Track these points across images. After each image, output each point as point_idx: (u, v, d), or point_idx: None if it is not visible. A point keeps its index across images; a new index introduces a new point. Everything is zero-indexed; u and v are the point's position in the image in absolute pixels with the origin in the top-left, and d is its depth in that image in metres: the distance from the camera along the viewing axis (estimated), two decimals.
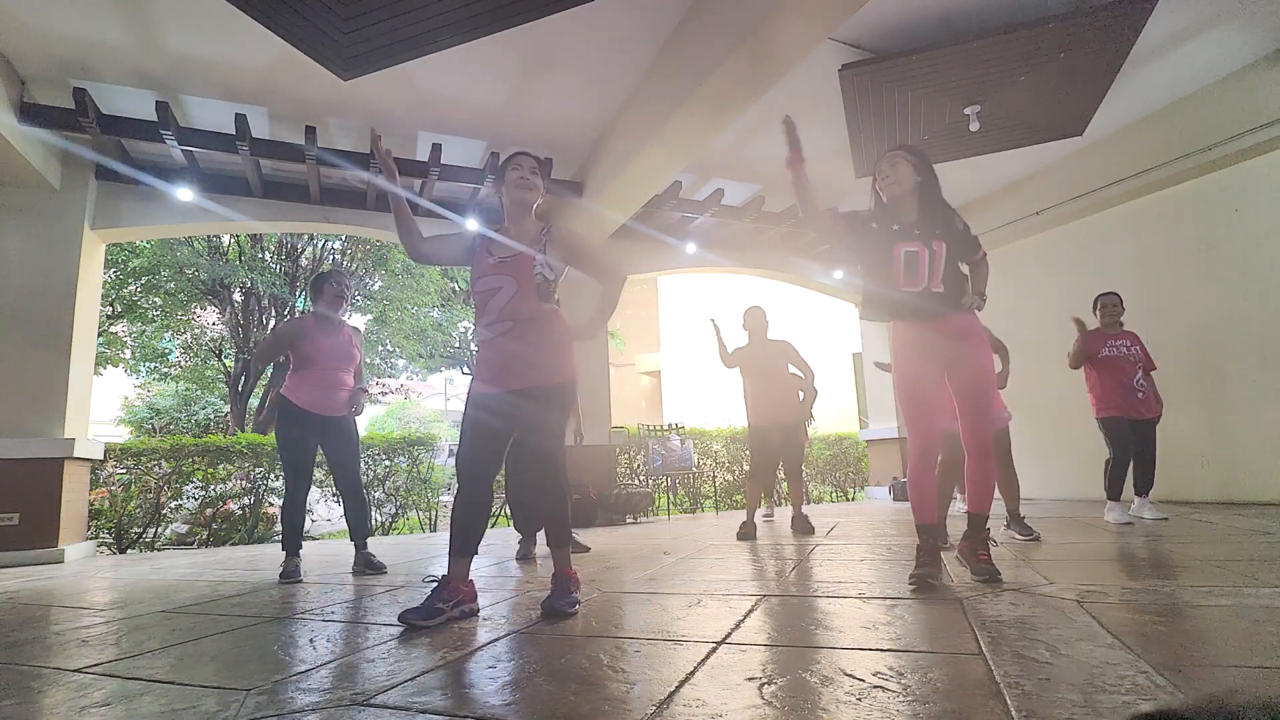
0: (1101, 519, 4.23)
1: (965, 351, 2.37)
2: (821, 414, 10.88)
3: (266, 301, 10.69)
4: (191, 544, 6.32)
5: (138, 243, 10.09)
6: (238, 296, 11.01)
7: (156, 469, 5.97)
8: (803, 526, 4.43)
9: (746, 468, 4.78)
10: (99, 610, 2.58)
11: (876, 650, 1.53)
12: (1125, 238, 6.07)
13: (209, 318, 12.71)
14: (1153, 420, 4.28)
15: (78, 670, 1.66)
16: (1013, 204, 6.83)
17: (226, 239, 10.81)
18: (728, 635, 1.73)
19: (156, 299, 11.19)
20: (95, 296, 5.48)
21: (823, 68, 4.57)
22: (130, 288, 10.76)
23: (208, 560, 4.40)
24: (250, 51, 4.27)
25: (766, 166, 6.23)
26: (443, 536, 5.66)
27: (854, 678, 1.33)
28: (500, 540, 4.94)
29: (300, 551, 3.35)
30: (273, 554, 4.54)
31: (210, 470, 6.15)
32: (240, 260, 10.45)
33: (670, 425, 7.63)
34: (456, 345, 14.61)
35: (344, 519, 3.63)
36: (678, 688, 1.32)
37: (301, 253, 11.37)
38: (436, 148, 5.36)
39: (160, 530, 6.06)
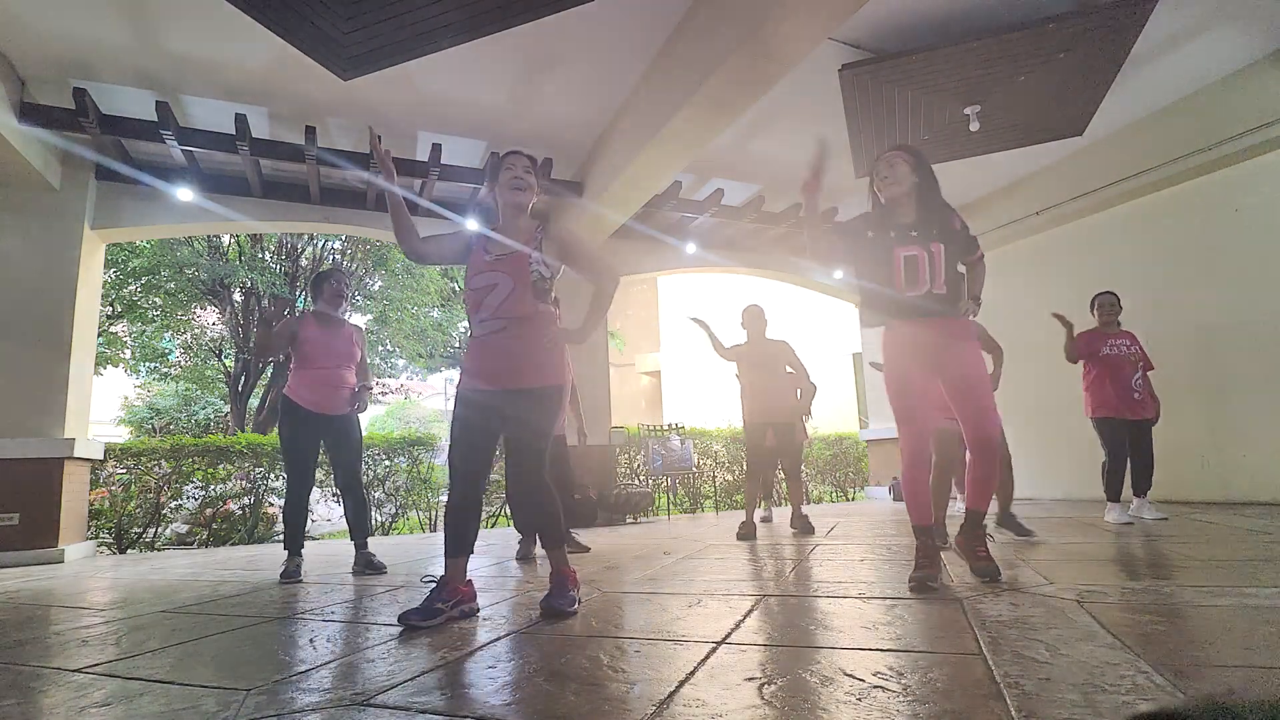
0: (1101, 519, 4.23)
1: (957, 354, 2.35)
2: (821, 414, 10.89)
3: (267, 301, 10.69)
4: (191, 544, 6.33)
5: (138, 243, 10.08)
6: (238, 296, 11.01)
7: (156, 469, 5.97)
8: (802, 526, 4.42)
9: (746, 467, 4.78)
10: (99, 610, 2.58)
11: (876, 650, 1.53)
12: (1125, 238, 6.07)
13: (209, 318, 12.71)
14: (1148, 421, 4.28)
15: (78, 670, 1.66)
16: (1013, 204, 6.83)
17: (226, 239, 10.80)
18: (728, 635, 1.73)
19: (156, 299, 11.19)
20: (95, 296, 5.48)
21: (823, 68, 4.57)
22: (130, 288, 10.75)
23: (208, 560, 4.40)
24: (250, 51, 4.27)
25: (766, 166, 6.24)
26: (442, 536, 5.66)
27: (854, 678, 1.33)
28: (500, 540, 4.94)
29: (302, 551, 3.35)
30: (273, 554, 4.54)
31: (210, 470, 6.15)
32: (240, 260, 10.45)
33: (670, 425, 7.63)
34: (456, 345, 14.61)
35: (344, 519, 3.63)
36: (678, 688, 1.32)
37: (301, 253, 11.37)
38: (436, 148, 5.36)
39: (160, 530, 6.06)
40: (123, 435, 14.66)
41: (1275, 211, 5.05)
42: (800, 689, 1.28)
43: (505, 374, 2.17)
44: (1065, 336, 4.33)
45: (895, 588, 2.29)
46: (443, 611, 2.05)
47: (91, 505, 5.41)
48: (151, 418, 14.85)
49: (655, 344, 18.74)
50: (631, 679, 1.40)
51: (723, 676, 1.38)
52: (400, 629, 1.98)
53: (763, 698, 1.24)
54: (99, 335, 7.46)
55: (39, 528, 4.59)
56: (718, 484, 8.78)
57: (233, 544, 6.01)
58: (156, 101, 4.63)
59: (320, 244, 11.48)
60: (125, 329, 12.18)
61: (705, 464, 8.73)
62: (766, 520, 5.59)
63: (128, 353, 12.57)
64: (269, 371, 11.48)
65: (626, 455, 7.82)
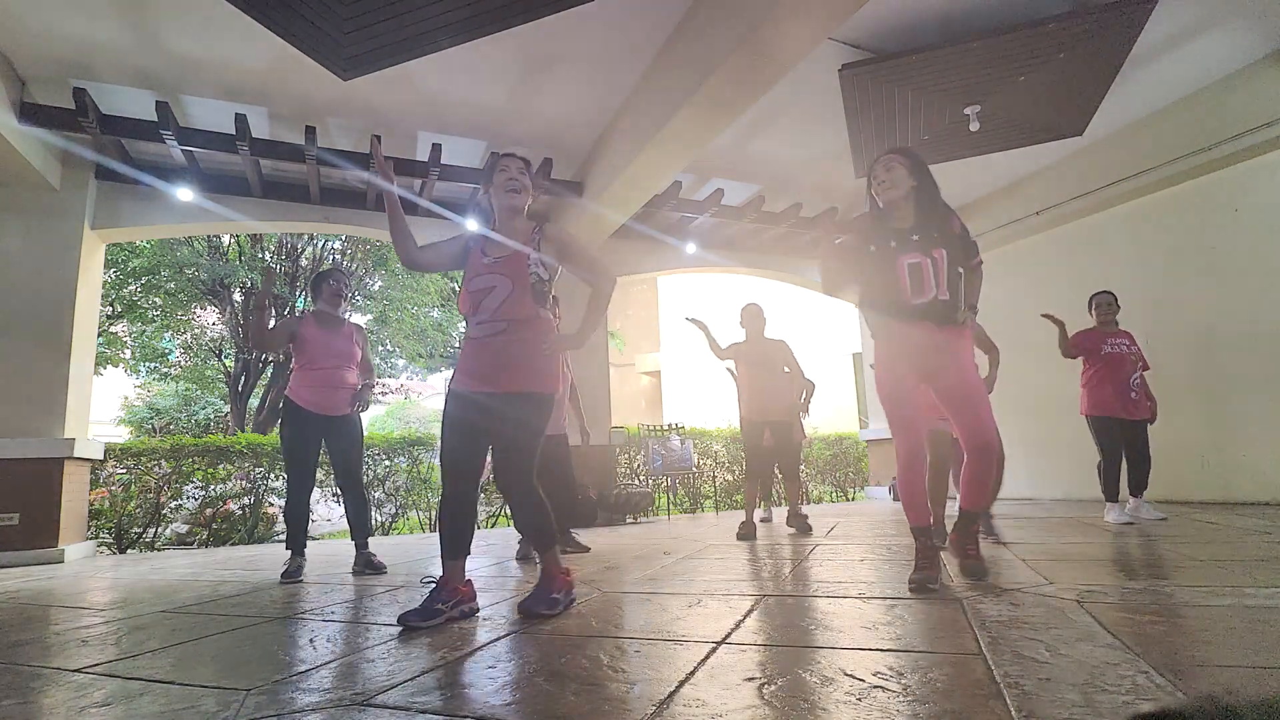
0: (1101, 519, 4.23)
1: (952, 361, 2.34)
2: (821, 414, 10.90)
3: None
4: (191, 544, 6.32)
5: (138, 243, 10.08)
6: (238, 296, 11.01)
7: (156, 469, 5.97)
8: (800, 525, 4.41)
9: (745, 468, 4.78)
10: (99, 610, 2.58)
11: (876, 650, 1.53)
12: (1125, 238, 6.07)
13: (209, 318, 12.71)
14: (1143, 421, 4.28)
15: (78, 670, 1.66)
16: (1013, 204, 6.83)
17: (226, 239, 10.81)
18: (728, 635, 1.73)
19: (156, 299, 11.19)
20: (95, 296, 5.48)
21: (823, 68, 4.57)
22: (130, 288, 10.75)
23: (208, 560, 4.40)
24: (250, 51, 4.27)
25: (766, 166, 6.24)
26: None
27: (854, 678, 1.33)
28: (500, 540, 4.94)
29: (304, 551, 3.35)
30: (273, 554, 4.55)
31: (210, 470, 6.15)
32: (240, 260, 10.46)
33: (670, 425, 7.63)
34: (456, 345, 14.60)
35: (344, 519, 3.63)
36: (678, 688, 1.32)
37: (301, 253, 11.38)
38: (436, 148, 5.36)
39: (160, 530, 6.06)
40: (123, 435, 14.66)
41: (1275, 211, 5.05)
42: (800, 689, 1.28)
43: (500, 376, 2.17)
44: (1059, 335, 4.35)
45: (895, 588, 2.29)
46: (442, 612, 2.05)
47: (91, 505, 5.41)
48: (151, 418, 14.85)
49: (655, 344, 18.74)
50: (631, 679, 1.40)
51: (723, 676, 1.38)
52: (401, 628, 1.98)
53: (763, 698, 1.24)
54: (99, 335, 7.47)
55: (39, 528, 4.59)
56: (718, 484, 8.78)
57: (233, 544, 6.01)
58: (156, 101, 4.63)
59: (320, 244, 11.48)
60: (125, 329, 12.18)
61: (705, 464, 8.73)
62: (766, 520, 5.59)
63: (128, 353, 12.57)
64: (269, 371, 11.48)
65: (626, 455, 7.82)
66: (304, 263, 11.30)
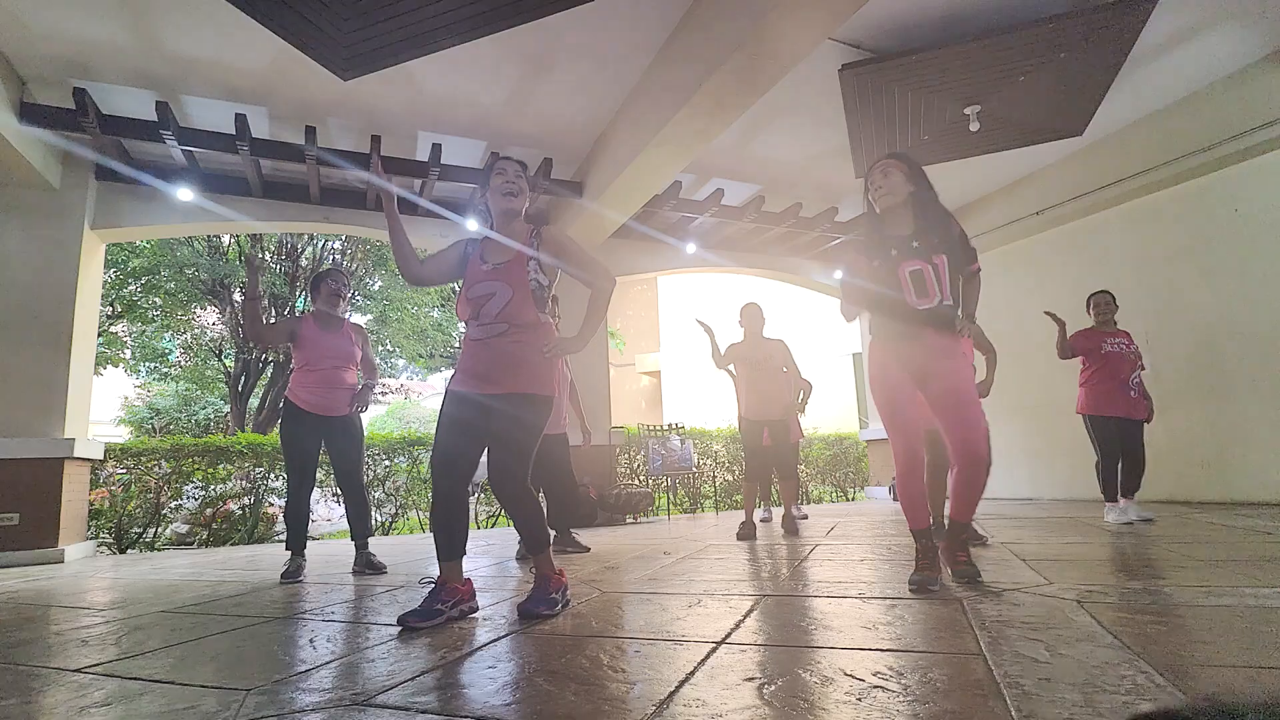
0: (1101, 519, 4.23)
1: (946, 366, 2.33)
2: (821, 414, 10.90)
3: (267, 301, 10.70)
4: (191, 544, 6.33)
5: (138, 243, 10.09)
6: (238, 296, 11.01)
7: (156, 469, 5.97)
8: (791, 526, 4.41)
9: (744, 468, 4.77)
10: (99, 610, 2.58)
11: (876, 650, 1.53)
12: (1125, 238, 6.07)
13: (209, 318, 12.71)
14: (1141, 421, 4.28)
15: (78, 670, 1.66)
16: (1013, 204, 6.83)
17: (226, 239, 10.81)
18: (728, 635, 1.73)
19: (156, 299, 11.19)
20: (95, 296, 5.48)
21: (823, 68, 4.57)
22: (130, 288, 10.76)
23: (208, 560, 4.40)
24: (250, 51, 4.27)
25: (766, 166, 6.24)
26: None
27: (854, 678, 1.33)
28: (500, 540, 4.94)
29: (305, 551, 3.36)
30: (273, 554, 4.55)
31: (210, 470, 6.15)
32: (240, 260, 10.46)
33: (670, 425, 7.63)
34: (456, 345, 14.61)
35: (344, 518, 3.63)
36: (678, 688, 1.32)
37: (301, 253, 11.38)
38: (436, 148, 5.36)
39: (160, 530, 6.06)
40: (123, 435, 14.67)
41: (1275, 211, 5.05)
42: (800, 689, 1.28)
43: (500, 377, 2.17)
44: (1058, 334, 4.36)
45: (895, 588, 2.29)
46: (442, 612, 2.05)
47: (91, 505, 5.41)
48: (151, 418, 14.86)
49: (655, 344, 18.74)
50: (631, 679, 1.40)
51: (722, 676, 1.38)
52: (400, 629, 1.98)
53: (762, 698, 1.24)
54: (99, 335, 7.46)
55: (39, 528, 4.59)
56: (718, 484, 8.78)
57: (233, 544, 6.01)
58: (156, 101, 4.63)
59: (320, 244, 11.49)
60: (125, 329, 12.19)
61: (705, 464, 8.73)
62: (766, 520, 5.59)
63: (128, 353, 12.58)
64: (269, 371, 11.49)
65: (626, 455, 7.82)
66: (304, 263, 11.30)
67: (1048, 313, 4.40)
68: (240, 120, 4.80)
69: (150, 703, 1.38)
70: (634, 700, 1.26)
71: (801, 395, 4.77)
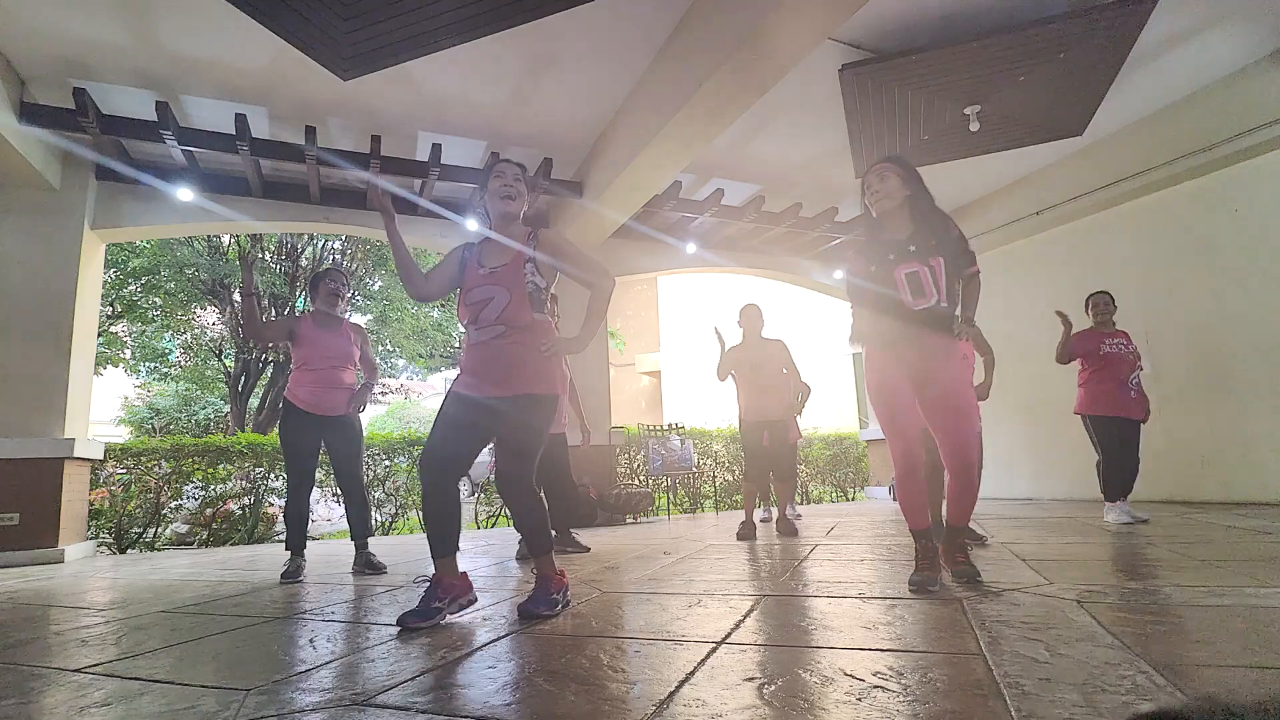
0: (1100, 519, 4.23)
1: (942, 369, 2.33)
2: (821, 414, 10.89)
3: (267, 301, 10.70)
4: (191, 544, 6.32)
5: (138, 243, 10.08)
6: (237, 296, 11.01)
7: (156, 469, 5.97)
8: (787, 528, 4.40)
9: (744, 469, 4.76)
10: (99, 610, 2.58)
11: (876, 650, 1.53)
12: (1125, 238, 6.07)
13: (209, 318, 12.71)
14: (1137, 422, 4.28)
15: (78, 670, 1.66)
16: (1013, 204, 6.83)
17: (226, 239, 10.80)
18: (728, 635, 1.73)
19: (156, 299, 11.18)
20: (95, 296, 5.48)
21: (823, 68, 4.57)
22: (130, 288, 10.75)
23: (208, 560, 4.40)
24: (250, 51, 4.27)
25: (766, 166, 6.24)
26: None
27: (854, 678, 1.33)
28: (500, 540, 4.94)
29: (305, 551, 3.35)
30: (273, 554, 4.55)
31: (210, 470, 6.15)
32: (240, 260, 10.44)
33: (670, 425, 7.63)
34: (456, 345, 14.60)
35: (344, 518, 3.63)
36: (678, 688, 1.32)
37: (301, 253, 11.37)
38: (436, 148, 5.36)
39: (160, 530, 6.06)
40: (123, 435, 14.67)
41: (1274, 211, 5.05)
42: (800, 689, 1.28)
43: (503, 378, 2.17)
44: (1062, 334, 4.34)
45: (895, 588, 2.30)
46: (440, 610, 2.05)
47: (91, 505, 5.41)
48: (151, 418, 14.86)
49: (655, 344, 18.73)
50: (631, 679, 1.40)
51: (722, 676, 1.38)
52: (400, 629, 1.98)
53: (762, 698, 1.24)
54: (99, 335, 7.46)
55: (39, 528, 4.59)
56: (718, 484, 8.78)
57: (233, 544, 6.01)
58: (156, 101, 4.63)
59: (320, 244, 11.48)
60: (125, 329, 12.18)
61: (705, 464, 8.73)
62: (766, 520, 5.58)
63: (128, 353, 12.57)
64: (269, 372, 11.48)
65: (626, 455, 7.82)
66: (304, 263, 11.30)
67: (1058, 312, 4.38)
68: (240, 120, 4.80)
69: (150, 703, 1.38)
70: (634, 700, 1.26)
71: (800, 397, 4.76)
